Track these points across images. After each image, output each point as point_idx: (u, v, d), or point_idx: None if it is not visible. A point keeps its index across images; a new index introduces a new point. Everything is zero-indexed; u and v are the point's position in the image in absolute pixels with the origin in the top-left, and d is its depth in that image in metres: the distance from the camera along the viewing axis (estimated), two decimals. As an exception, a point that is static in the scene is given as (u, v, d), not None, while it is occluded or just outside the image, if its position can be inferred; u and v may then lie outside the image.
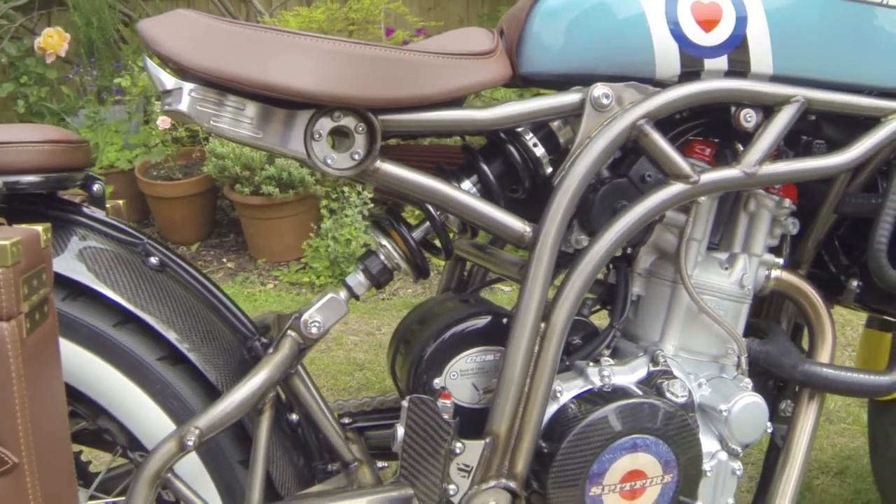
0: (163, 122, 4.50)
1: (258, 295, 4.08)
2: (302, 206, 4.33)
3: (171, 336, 1.28)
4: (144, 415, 1.28)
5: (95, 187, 1.35)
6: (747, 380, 1.43)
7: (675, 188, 1.31)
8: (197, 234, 4.78)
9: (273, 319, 1.42)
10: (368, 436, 1.59)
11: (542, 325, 1.28)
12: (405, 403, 1.27)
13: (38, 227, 1.04)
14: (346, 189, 4.18)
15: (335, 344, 3.38)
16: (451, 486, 1.30)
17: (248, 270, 4.40)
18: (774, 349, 1.49)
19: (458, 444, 1.28)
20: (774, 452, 1.56)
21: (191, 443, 1.19)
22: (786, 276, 1.50)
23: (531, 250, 1.28)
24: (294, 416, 1.38)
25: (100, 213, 1.34)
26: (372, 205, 4.14)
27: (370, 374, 3.11)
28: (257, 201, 4.26)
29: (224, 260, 4.56)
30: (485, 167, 1.35)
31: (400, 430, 1.28)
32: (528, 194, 1.39)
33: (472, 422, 1.32)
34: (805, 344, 1.59)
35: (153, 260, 1.33)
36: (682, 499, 1.37)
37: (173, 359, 1.29)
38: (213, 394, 1.28)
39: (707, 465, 1.39)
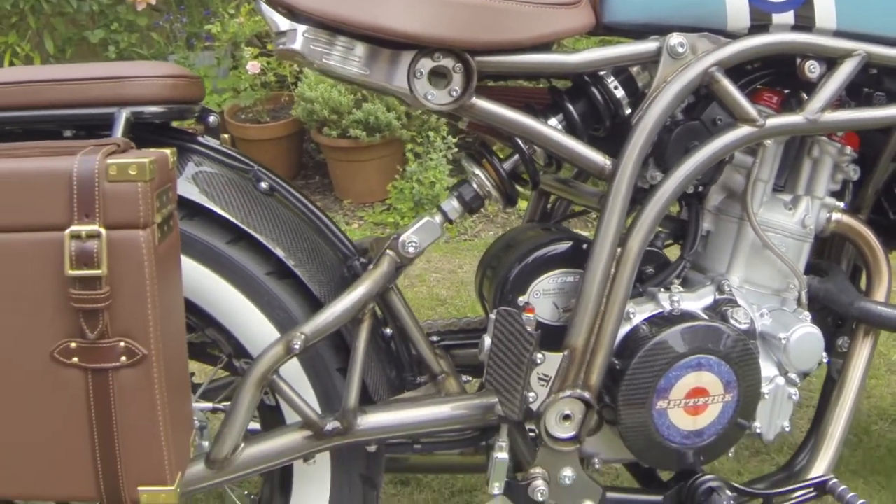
0: (252, 67, 4.54)
1: (344, 234, 4.10)
2: (388, 150, 4.33)
3: (279, 252, 1.37)
4: (252, 325, 1.37)
5: (211, 118, 1.43)
6: (806, 313, 1.51)
7: (743, 130, 1.39)
8: (284, 174, 4.59)
9: (371, 243, 1.52)
10: (454, 354, 1.67)
11: (619, 249, 1.37)
12: (493, 315, 1.36)
13: (167, 150, 1.14)
14: (430, 133, 4.20)
15: (418, 281, 3.42)
16: (531, 394, 1.41)
17: (334, 211, 4.41)
18: (833, 287, 1.58)
19: (540, 355, 1.37)
20: (830, 384, 1.65)
21: (297, 346, 1.29)
22: (846, 218, 1.57)
23: (610, 182, 1.37)
24: (388, 330, 1.48)
25: (214, 142, 1.42)
26: (456, 149, 4.16)
27: (452, 308, 3.15)
28: (344, 144, 4.26)
29: (310, 200, 4.59)
30: (570, 107, 1.44)
31: (487, 340, 1.36)
32: (609, 133, 1.47)
33: (552, 338, 1.41)
34: (863, 286, 1.67)
35: (263, 184, 1.42)
36: (740, 420, 1.45)
37: (280, 273, 1.38)
38: (316, 306, 1.37)
39: (765, 389, 1.48)
